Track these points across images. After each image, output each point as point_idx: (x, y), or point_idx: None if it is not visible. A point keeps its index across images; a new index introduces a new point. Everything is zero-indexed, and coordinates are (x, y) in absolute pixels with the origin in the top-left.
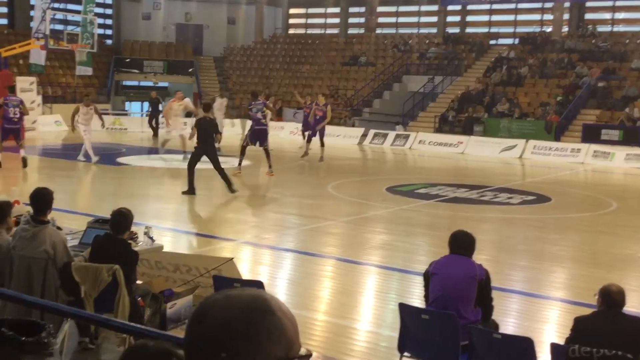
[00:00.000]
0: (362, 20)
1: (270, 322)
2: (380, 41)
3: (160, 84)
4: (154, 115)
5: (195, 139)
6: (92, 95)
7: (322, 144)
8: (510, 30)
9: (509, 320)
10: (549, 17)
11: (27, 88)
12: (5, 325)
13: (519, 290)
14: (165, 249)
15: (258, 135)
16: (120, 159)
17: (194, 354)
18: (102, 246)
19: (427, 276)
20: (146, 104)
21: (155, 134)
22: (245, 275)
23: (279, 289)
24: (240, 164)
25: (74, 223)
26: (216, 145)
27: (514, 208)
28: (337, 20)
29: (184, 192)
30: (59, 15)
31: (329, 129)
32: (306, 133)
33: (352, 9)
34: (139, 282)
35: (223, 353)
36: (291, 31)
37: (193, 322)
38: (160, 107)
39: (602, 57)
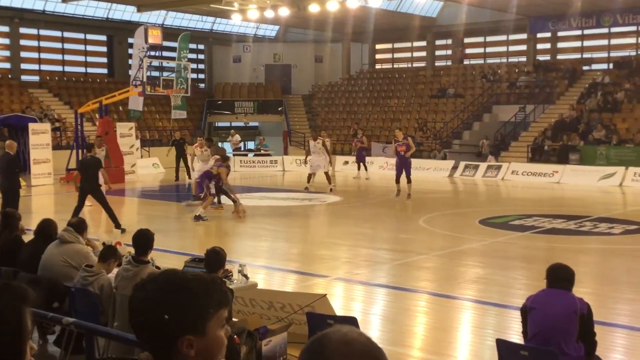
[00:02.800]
0: (449, 52)
1: None
2: (468, 72)
3: (251, 124)
4: (179, 157)
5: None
6: (187, 137)
7: (409, 181)
8: (603, 55)
9: (614, 356)
10: None
11: (126, 133)
12: None
13: (624, 325)
14: (259, 287)
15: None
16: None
17: None
18: None
19: (525, 311)
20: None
21: (177, 177)
22: (339, 311)
23: (373, 325)
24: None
25: (171, 262)
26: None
27: (616, 238)
28: (423, 54)
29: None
30: (155, 63)
31: (418, 162)
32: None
33: (438, 42)
34: (234, 319)
35: None
36: (378, 66)
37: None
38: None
39: None
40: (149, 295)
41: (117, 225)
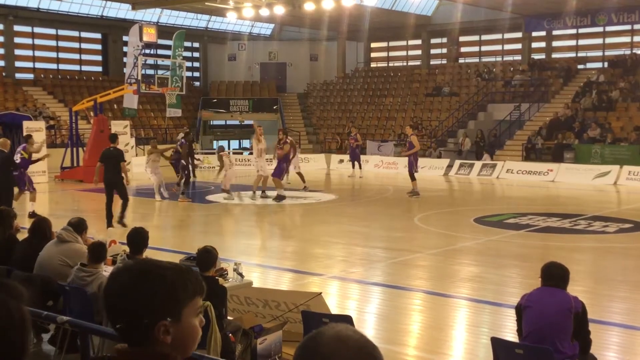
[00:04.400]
0: (444, 50)
1: None
2: (463, 70)
3: (246, 122)
4: (190, 154)
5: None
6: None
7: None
8: (598, 54)
9: (608, 354)
10: (639, 39)
11: (121, 131)
12: None
13: (618, 323)
14: (255, 285)
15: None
16: (209, 197)
17: None
18: None
19: (520, 309)
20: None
21: (194, 175)
22: (334, 310)
23: (368, 324)
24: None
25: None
26: None
27: (611, 237)
28: (419, 52)
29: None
30: (150, 61)
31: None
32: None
33: (433, 40)
34: (229, 318)
35: None
36: (373, 65)
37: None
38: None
39: None
40: (124, 283)
41: (121, 219)
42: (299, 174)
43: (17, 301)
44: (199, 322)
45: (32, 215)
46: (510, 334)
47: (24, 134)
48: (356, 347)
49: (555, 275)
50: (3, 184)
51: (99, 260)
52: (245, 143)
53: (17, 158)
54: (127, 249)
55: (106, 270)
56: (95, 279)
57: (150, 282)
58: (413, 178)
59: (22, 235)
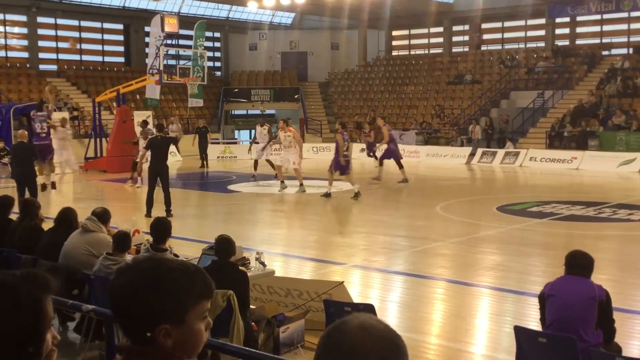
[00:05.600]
0: (466, 38)
1: (402, 357)
2: (485, 58)
3: (268, 112)
4: (203, 145)
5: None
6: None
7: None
8: (623, 39)
9: (633, 342)
10: None
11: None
12: None
13: None
14: (277, 274)
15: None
16: (231, 186)
17: None
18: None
19: (543, 298)
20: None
21: (203, 164)
22: (356, 298)
23: (390, 312)
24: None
25: (189, 250)
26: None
27: (636, 225)
28: (440, 40)
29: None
30: (172, 51)
31: (436, 149)
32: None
33: (455, 28)
34: (252, 307)
35: None
36: (394, 53)
37: (326, 349)
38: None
39: None
40: (129, 281)
41: (168, 213)
42: (269, 161)
43: (40, 289)
44: (205, 325)
45: (53, 186)
46: (533, 323)
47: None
48: (380, 336)
49: (579, 264)
50: (27, 175)
51: (124, 249)
52: None
53: (39, 128)
54: (151, 239)
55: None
56: None
57: (155, 283)
58: (394, 164)
59: (46, 225)
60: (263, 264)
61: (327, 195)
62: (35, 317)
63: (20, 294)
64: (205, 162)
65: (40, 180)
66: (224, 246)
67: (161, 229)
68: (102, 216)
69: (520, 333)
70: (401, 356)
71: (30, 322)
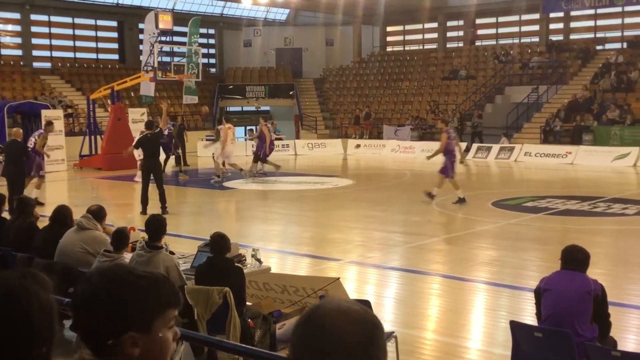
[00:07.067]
0: (461, 33)
1: (381, 337)
2: (480, 53)
3: (263, 108)
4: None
5: None
6: (199, 122)
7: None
8: (617, 34)
9: (628, 336)
10: None
11: (138, 119)
12: None
13: (638, 305)
14: (273, 271)
15: None
16: (227, 183)
17: None
18: (207, 266)
19: (539, 293)
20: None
21: (185, 162)
22: (352, 294)
23: (386, 308)
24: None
25: (185, 247)
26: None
27: (630, 219)
28: (435, 35)
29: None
30: (166, 48)
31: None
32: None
33: (450, 23)
34: (248, 303)
35: None
36: (389, 49)
37: (305, 335)
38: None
39: None
40: (93, 289)
41: (164, 210)
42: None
43: (44, 290)
44: (172, 335)
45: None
46: (529, 318)
47: (43, 122)
48: (358, 318)
49: (575, 259)
50: (17, 173)
51: (122, 247)
52: None
53: (31, 143)
54: (146, 236)
55: (126, 257)
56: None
57: (120, 290)
58: (262, 160)
59: (41, 224)
60: (259, 260)
61: (462, 200)
62: (50, 319)
63: (34, 299)
64: (183, 161)
65: (33, 194)
66: (218, 243)
67: (156, 227)
68: (97, 214)
69: (516, 328)
70: (381, 335)
71: (45, 325)
